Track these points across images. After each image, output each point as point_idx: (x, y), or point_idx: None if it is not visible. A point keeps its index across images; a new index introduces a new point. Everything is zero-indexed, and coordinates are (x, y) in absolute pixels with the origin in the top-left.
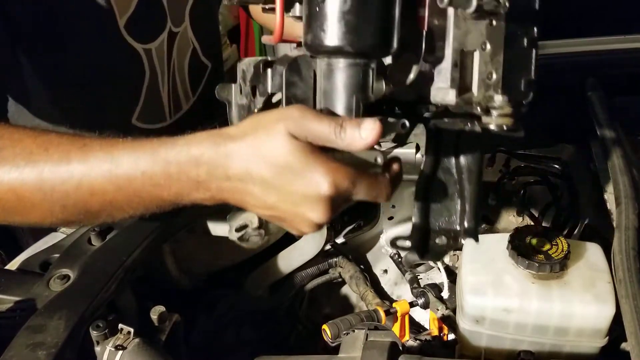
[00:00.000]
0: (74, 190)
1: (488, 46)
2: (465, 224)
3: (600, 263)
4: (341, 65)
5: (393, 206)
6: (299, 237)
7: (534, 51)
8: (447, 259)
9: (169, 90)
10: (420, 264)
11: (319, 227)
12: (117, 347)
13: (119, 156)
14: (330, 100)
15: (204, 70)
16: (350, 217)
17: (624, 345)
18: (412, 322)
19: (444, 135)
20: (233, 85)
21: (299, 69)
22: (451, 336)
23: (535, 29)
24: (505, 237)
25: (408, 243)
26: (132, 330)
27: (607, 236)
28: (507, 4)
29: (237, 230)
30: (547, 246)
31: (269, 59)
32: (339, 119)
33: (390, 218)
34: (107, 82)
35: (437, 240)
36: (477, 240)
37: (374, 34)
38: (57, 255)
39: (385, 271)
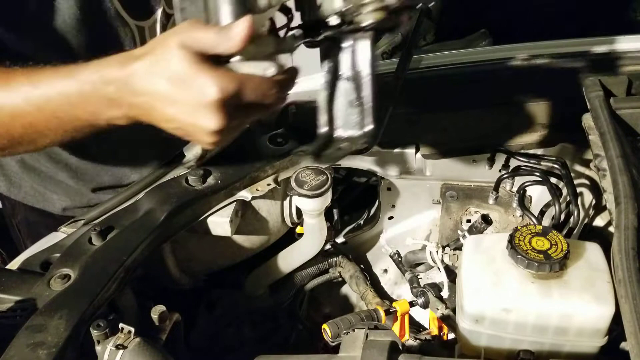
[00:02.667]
0: None
1: None
2: (365, 128)
3: (599, 263)
4: None
5: (393, 206)
6: (299, 237)
7: None
8: (447, 259)
9: None
10: (420, 264)
11: (219, 135)
12: (118, 347)
13: (38, 79)
14: (217, 15)
15: None
16: (350, 217)
17: (623, 344)
18: (412, 321)
19: (339, 49)
20: None
21: None
22: (451, 336)
23: None
24: (505, 237)
25: (307, 148)
26: (132, 329)
27: (606, 236)
28: None
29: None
30: (547, 246)
31: None
32: (224, 26)
33: (390, 218)
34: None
35: (340, 146)
36: (375, 142)
37: None
38: (58, 254)
39: (385, 271)
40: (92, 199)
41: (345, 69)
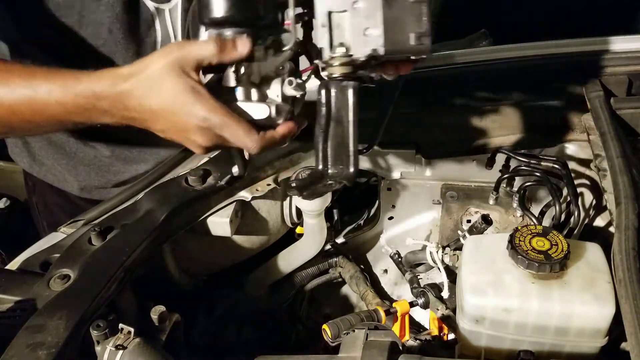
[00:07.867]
0: None
1: (360, 4)
2: (348, 170)
3: (600, 263)
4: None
5: (393, 206)
6: (299, 237)
7: (423, 7)
8: (447, 259)
9: None
10: (420, 264)
11: (206, 150)
12: (118, 347)
13: (37, 85)
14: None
15: None
16: (350, 217)
17: (623, 345)
18: (412, 321)
19: (329, 94)
20: None
21: None
22: (451, 336)
23: None
24: (505, 237)
25: (293, 184)
26: (132, 330)
27: (607, 236)
28: None
29: None
30: (547, 246)
31: None
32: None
33: (391, 218)
34: (118, 39)
35: (326, 183)
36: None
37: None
38: (58, 255)
39: (385, 271)
40: (120, 171)
41: (334, 112)
